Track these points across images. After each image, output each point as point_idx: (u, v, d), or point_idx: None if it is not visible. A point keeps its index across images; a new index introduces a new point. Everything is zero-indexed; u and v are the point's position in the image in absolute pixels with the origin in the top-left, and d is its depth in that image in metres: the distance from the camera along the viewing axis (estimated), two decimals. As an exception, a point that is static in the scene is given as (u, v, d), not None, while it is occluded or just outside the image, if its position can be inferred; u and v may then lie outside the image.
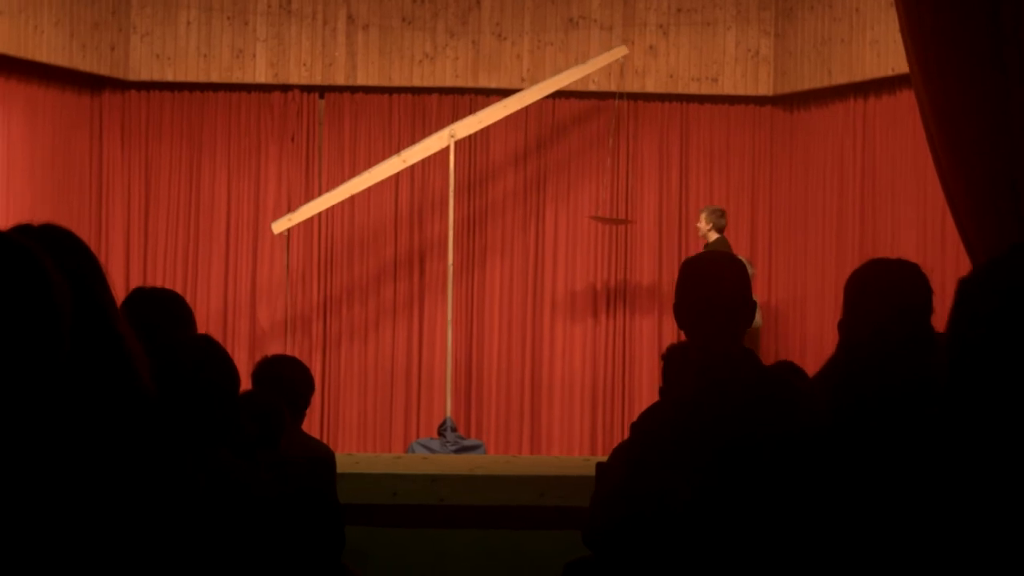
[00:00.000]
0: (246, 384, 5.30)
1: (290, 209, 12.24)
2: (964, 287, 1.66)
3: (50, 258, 1.97)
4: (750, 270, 11.59)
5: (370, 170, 11.63)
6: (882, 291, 3.21)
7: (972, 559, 1.58)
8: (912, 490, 1.67)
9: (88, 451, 2.00)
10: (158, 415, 2.34)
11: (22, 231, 2.56)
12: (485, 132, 12.20)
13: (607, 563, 3.48)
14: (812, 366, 4.03)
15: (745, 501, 3.09)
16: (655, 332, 12.15)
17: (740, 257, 10.75)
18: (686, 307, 3.40)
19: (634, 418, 3.74)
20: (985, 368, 1.57)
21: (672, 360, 5.21)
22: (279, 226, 11.57)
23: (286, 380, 5.46)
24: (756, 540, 3.04)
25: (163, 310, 3.81)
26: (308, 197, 12.27)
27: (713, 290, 3.36)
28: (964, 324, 1.60)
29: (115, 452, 2.07)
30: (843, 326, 3.30)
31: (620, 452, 5.09)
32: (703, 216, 11.38)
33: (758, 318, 11.46)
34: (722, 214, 11.39)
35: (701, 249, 10.70)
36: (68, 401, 1.97)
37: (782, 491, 2.99)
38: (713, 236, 11.24)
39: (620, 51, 11.88)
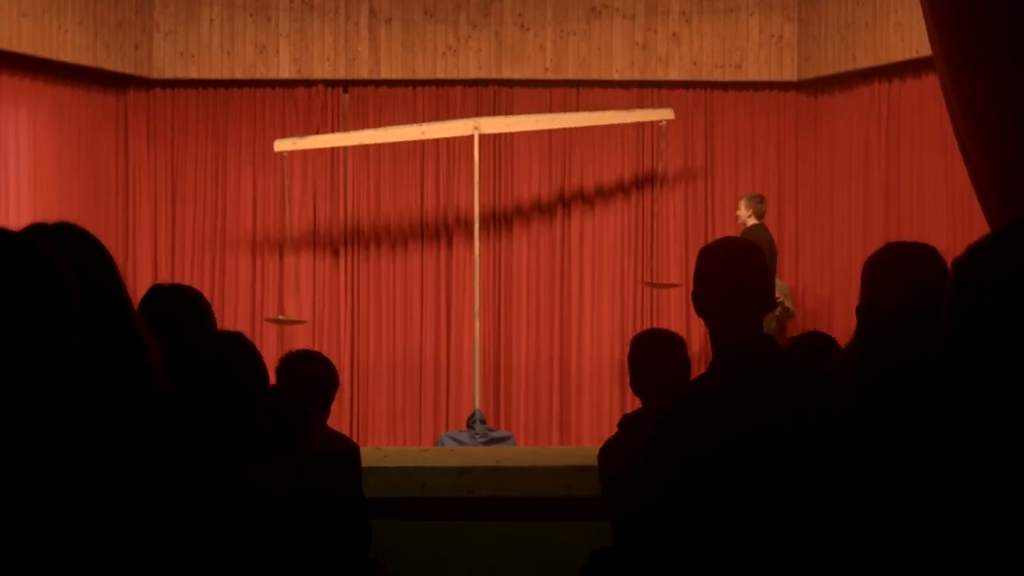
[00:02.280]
0: (271, 380, 5.31)
1: (315, 207, 12.29)
2: (967, 260, 1.64)
3: (61, 256, 1.97)
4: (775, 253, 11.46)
5: (387, 128, 11.65)
6: (899, 273, 3.19)
7: (985, 539, 1.57)
8: (930, 469, 1.66)
9: (97, 447, 2.00)
10: (170, 412, 2.34)
11: (35, 230, 2.56)
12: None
13: (631, 549, 3.47)
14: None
15: (767, 485, 3.08)
16: (683, 320, 12.11)
17: (766, 238, 10.82)
18: (704, 294, 3.39)
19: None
20: (997, 337, 1.54)
21: (638, 347, 5.15)
22: (280, 145, 11.54)
23: (310, 375, 5.46)
24: (778, 524, 3.03)
25: (181, 306, 3.80)
26: (334, 191, 12.32)
27: (730, 276, 3.35)
28: (970, 295, 1.57)
29: (123, 448, 2.07)
30: (861, 311, 3.29)
31: (614, 448, 5.07)
32: (742, 203, 11.37)
33: (791, 306, 11.43)
34: (761, 200, 11.37)
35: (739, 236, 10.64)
36: (80, 398, 1.97)
37: (804, 475, 2.98)
38: (752, 221, 11.21)
39: (667, 113, 11.84)
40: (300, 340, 11.78)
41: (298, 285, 12.27)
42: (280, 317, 11.88)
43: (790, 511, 3.04)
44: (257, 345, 3.79)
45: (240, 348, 3.57)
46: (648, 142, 12.40)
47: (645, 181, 12.28)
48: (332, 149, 12.34)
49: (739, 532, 3.12)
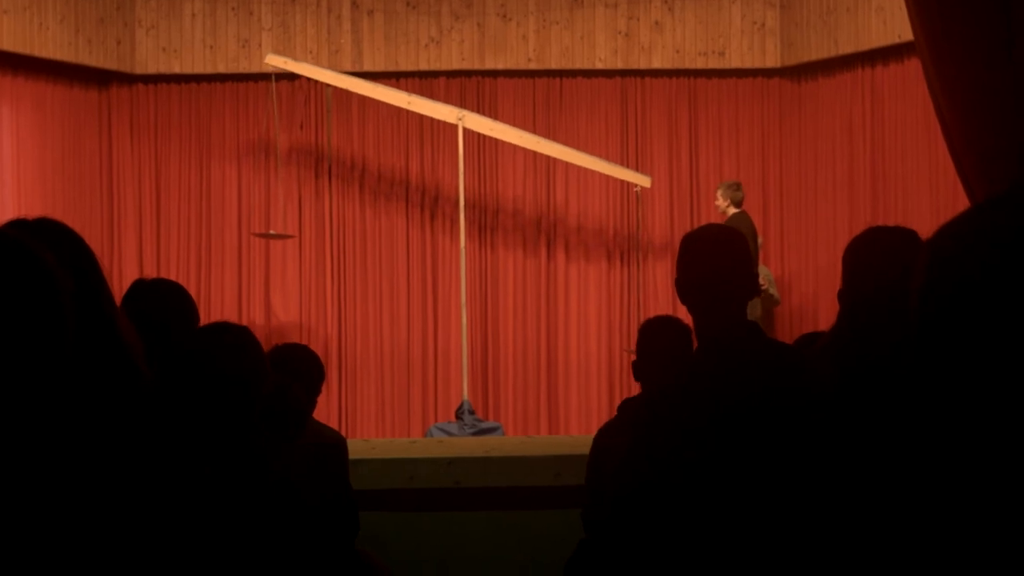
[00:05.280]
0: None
1: (300, 201, 12.27)
2: (945, 234, 1.61)
3: (52, 254, 1.98)
4: (759, 240, 11.49)
5: (376, 85, 11.59)
6: (880, 258, 3.19)
7: (966, 525, 1.57)
8: (909, 454, 1.66)
9: (89, 443, 2.01)
10: (156, 405, 2.35)
11: (17, 226, 2.56)
12: (493, 109, 12.21)
13: (614, 537, 3.48)
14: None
15: (749, 470, 3.08)
16: (670, 309, 12.13)
17: (749, 226, 10.83)
18: (687, 281, 3.40)
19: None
20: (979, 316, 1.52)
21: (646, 335, 5.15)
22: (272, 59, 11.46)
23: (296, 368, 5.45)
24: (759, 507, 3.04)
25: (163, 301, 3.81)
26: (318, 185, 12.31)
27: (713, 263, 3.36)
28: (951, 272, 1.54)
29: (115, 444, 2.07)
30: (843, 295, 3.29)
31: (610, 431, 5.09)
32: (719, 193, 11.34)
33: (776, 292, 11.44)
34: (738, 187, 11.34)
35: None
36: (70, 394, 1.97)
37: (785, 460, 2.99)
38: (732, 211, 11.19)
39: (644, 180, 11.87)
40: (288, 333, 11.78)
41: (284, 279, 12.27)
42: (270, 232, 11.89)
43: (771, 496, 3.04)
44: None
45: (238, 340, 3.55)
46: (633, 129, 12.42)
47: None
48: (316, 144, 12.33)
49: (718, 518, 3.13)
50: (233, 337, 3.50)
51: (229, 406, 3.39)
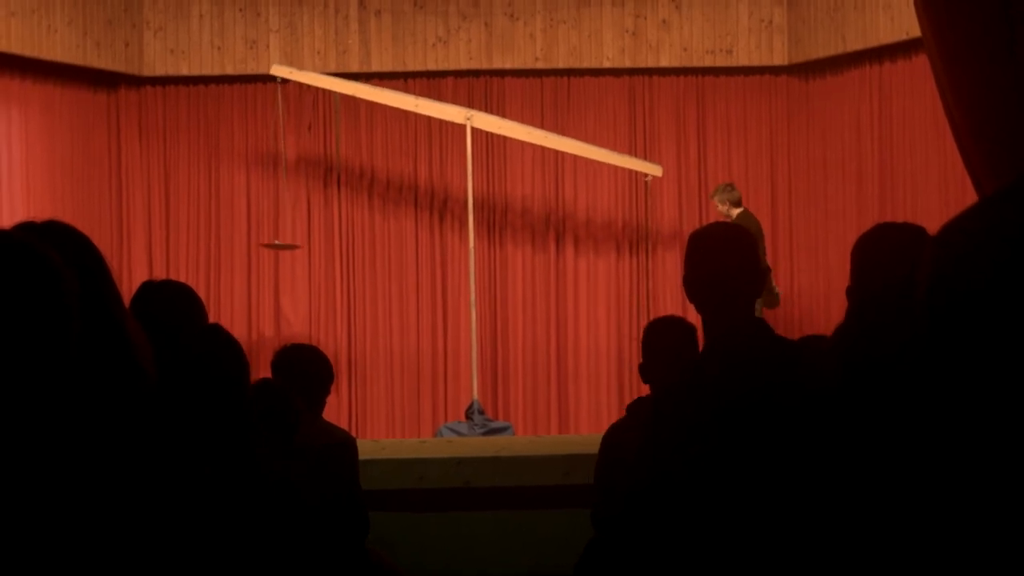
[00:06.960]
0: (266, 373, 5.32)
1: (309, 203, 12.28)
2: (948, 232, 1.60)
3: (58, 256, 1.97)
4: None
5: (382, 90, 11.58)
6: (888, 254, 3.20)
7: (967, 523, 1.57)
8: (913, 452, 1.66)
9: (92, 444, 2.01)
10: (161, 407, 2.35)
11: (26, 228, 2.56)
12: (501, 109, 12.20)
13: (625, 535, 3.48)
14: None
15: (751, 465, 3.08)
16: (680, 308, 12.12)
17: (755, 224, 10.82)
18: (695, 279, 3.40)
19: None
20: (991, 310, 1.50)
21: (651, 334, 5.13)
22: (277, 70, 11.47)
23: (305, 369, 5.46)
24: (763, 502, 3.04)
25: (172, 303, 3.81)
26: (327, 187, 12.31)
27: (721, 261, 3.35)
28: (962, 266, 1.53)
29: (118, 445, 2.07)
30: (851, 292, 3.29)
31: (620, 430, 5.09)
32: (716, 200, 11.34)
33: (775, 286, 11.38)
34: (732, 188, 11.33)
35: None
36: (74, 396, 1.97)
37: (788, 454, 2.98)
38: (736, 212, 11.18)
39: (655, 169, 11.86)
40: (298, 335, 11.78)
41: (294, 282, 12.28)
42: (276, 242, 11.90)
43: (775, 492, 3.04)
44: (254, 340, 3.80)
45: (217, 340, 3.55)
46: (641, 128, 12.40)
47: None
48: (325, 146, 12.33)
49: (722, 514, 3.13)
50: (230, 340, 3.50)
51: (231, 408, 3.39)
